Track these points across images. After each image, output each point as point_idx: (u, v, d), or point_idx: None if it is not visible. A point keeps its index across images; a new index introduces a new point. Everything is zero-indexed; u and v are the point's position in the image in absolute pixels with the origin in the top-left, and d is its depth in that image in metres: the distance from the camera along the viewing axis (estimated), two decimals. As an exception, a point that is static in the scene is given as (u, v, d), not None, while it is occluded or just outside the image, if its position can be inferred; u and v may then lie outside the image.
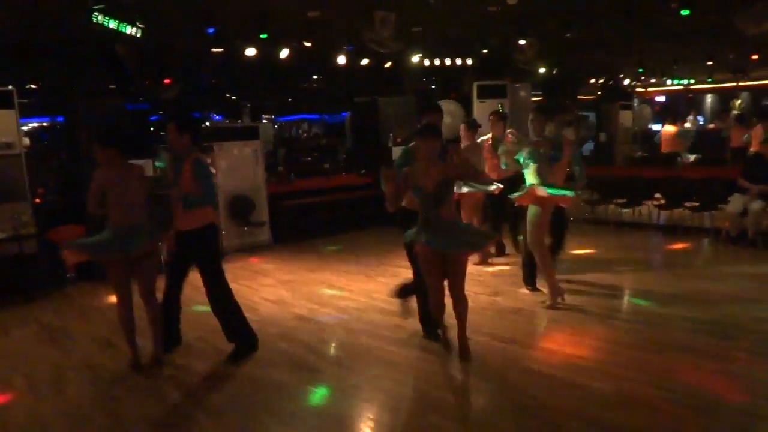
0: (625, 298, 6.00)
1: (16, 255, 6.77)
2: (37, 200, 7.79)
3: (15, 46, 9.31)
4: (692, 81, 20.15)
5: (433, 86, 15.13)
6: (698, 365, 4.25)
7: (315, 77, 16.27)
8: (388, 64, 12.26)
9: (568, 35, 11.18)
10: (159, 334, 4.67)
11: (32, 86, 11.83)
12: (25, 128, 11.89)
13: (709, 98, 23.39)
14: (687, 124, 16.43)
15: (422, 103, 5.56)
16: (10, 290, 6.76)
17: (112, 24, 7.50)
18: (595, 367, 4.28)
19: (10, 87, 7.28)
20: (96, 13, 7.22)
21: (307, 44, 10.65)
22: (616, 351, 4.57)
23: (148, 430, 3.72)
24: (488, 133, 7.50)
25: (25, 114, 10.09)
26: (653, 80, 19.48)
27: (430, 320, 4.85)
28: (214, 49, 10.73)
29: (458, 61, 12.43)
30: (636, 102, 18.80)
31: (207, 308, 5.85)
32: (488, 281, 6.65)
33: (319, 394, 4.13)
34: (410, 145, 4.92)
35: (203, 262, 4.73)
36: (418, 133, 4.46)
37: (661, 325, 5.12)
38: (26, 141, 10.64)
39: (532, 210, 5.59)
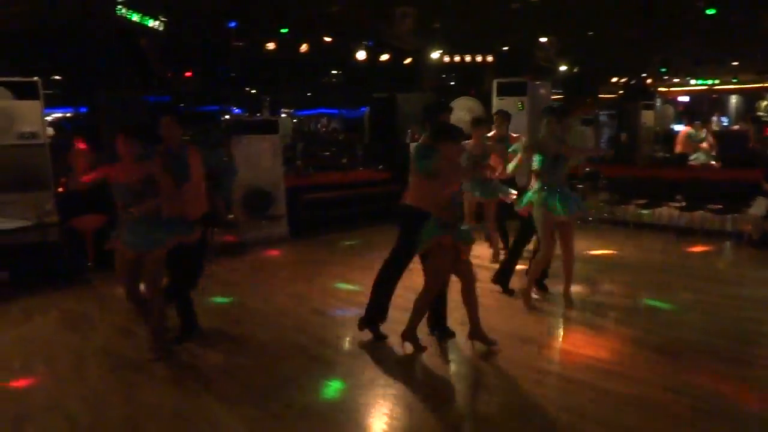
0: (644, 301, 5.94)
1: (39, 243, 6.88)
2: (60, 189, 7.92)
3: (40, 37, 9.48)
4: (717, 81, 19.86)
5: (452, 83, 15.09)
6: (717, 370, 4.21)
7: (334, 72, 16.31)
8: (407, 60, 12.25)
9: (590, 33, 11.09)
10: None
11: (57, 77, 12.01)
12: (48, 118, 12.08)
13: (733, 99, 23.03)
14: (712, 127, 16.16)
15: (436, 101, 5.46)
16: (33, 277, 6.88)
17: (136, 17, 7.62)
18: (611, 369, 4.26)
19: (35, 78, 7.41)
20: (120, 7, 7.32)
21: (327, 39, 10.68)
22: (633, 353, 4.54)
23: (165, 417, 3.78)
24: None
25: (50, 104, 10.26)
26: (677, 80, 19.23)
27: (438, 318, 4.87)
28: (236, 43, 10.80)
29: (478, 58, 12.37)
30: (659, 102, 18.57)
31: (224, 299, 5.94)
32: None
33: (333, 387, 4.16)
34: (425, 142, 4.73)
35: (200, 249, 4.94)
36: (450, 134, 4.43)
37: (680, 328, 5.08)
38: (50, 131, 10.82)
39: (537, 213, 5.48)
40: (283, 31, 9.37)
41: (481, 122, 7.11)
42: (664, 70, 15.82)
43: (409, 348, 4.64)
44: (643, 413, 3.62)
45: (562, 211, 5.29)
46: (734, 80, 18.27)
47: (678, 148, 12.45)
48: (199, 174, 4.97)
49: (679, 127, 12.60)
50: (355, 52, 11.15)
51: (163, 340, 4.73)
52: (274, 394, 4.00)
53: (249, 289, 6.67)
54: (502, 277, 6.11)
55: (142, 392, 4.12)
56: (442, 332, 4.93)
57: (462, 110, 10.30)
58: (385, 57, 11.71)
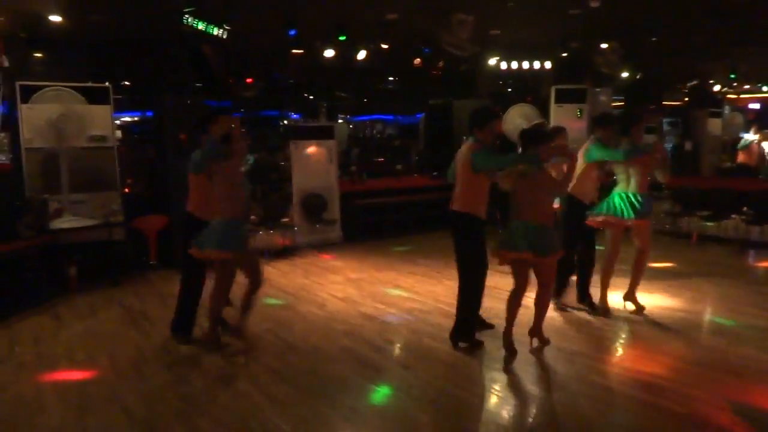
0: (706, 316, 5.70)
1: (106, 241, 7.22)
2: (126, 190, 8.29)
3: (111, 45, 9.95)
4: (791, 88, 18.84)
5: (509, 89, 14.91)
6: (782, 392, 4.00)
7: (391, 78, 16.39)
8: (464, 67, 12.19)
9: (653, 39, 10.74)
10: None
11: (126, 83, 12.55)
12: (117, 122, 12.62)
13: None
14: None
15: (483, 107, 5.39)
16: (98, 273, 7.22)
17: (201, 26, 7.88)
18: (667, 386, 4.10)
19: (106, 84, 7.79)
20: (187, 16, 7.61)
21: (384, 46, 10.75)
22: (691, 371, 4.36)
23: (216, 413, 3.88)
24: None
25: (119, 109, 10.74)
26: (747, 86, 18.36)
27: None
28: (295, 50, 11.02)
29: (536, 65, 12.18)
30: (727, 109, 17.76)
31: (277, 301, 6.07)
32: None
33: (381, 393, 4.18)
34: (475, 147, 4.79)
35: None
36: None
37: (742, 345, 4.84)
38: (118, 134, 11.30)
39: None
40: (341, 38, 9.49)
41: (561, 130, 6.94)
42: (733, 75, 15.12)
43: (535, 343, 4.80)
44: (701, 434, 3.48)
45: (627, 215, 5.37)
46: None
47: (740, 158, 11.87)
48: None
49: (750, 137, 11.96)
50: (411, 59, 11.19)
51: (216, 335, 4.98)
52: (322, 396, 4.05)
53: (301, 292, 6.78)
54: (582, 292, 5.87)
55: (195, 389, 4.26)
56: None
57: (519, 117, 10.16)
58: (441, 63, 11.70)
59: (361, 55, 10.26)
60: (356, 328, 5.46)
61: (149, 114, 12.35)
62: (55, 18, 8.19)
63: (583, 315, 5.65)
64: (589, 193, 5.64)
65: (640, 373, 4.34)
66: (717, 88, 17.85)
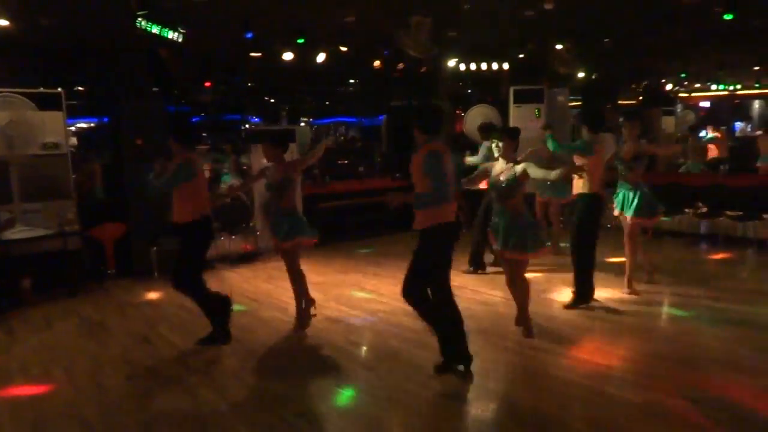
0: (663, 309, 5.86)
1: (60, 251, 7.02)
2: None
3: (64, 50, 9.70)
4: (738, 86, 19.57)
5: (469, 90, 15.08)
6: (736, 379, 4.14)
7: (351, 81, 16.40)
8: (423, 69, 12.28)
9: (606, 40, 11.01)
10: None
11: (80, 88, 12.26)
12: (72, 129, 12.32)
13: (756, 104, 22.66)
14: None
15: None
16: (54, 284, 7.02)
17: (156, 29, 7.73)
18: (626, 377, 4.21)
19: (58, 89, 7.58)
20: (140, 19, 7.45)
21: (344, 49, 10.75)
22: (649, 362, 4.48)
23: (179, 423, 3.82)
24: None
25: (73, 115, 10.48)
26: (697, 85, 19.00)
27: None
28: (253, 54, 10.93)
29: (494, 66, 12.35)
30: (679, 107, 18.34)
31: (240, 307, 6.00)
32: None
33: (346, 396, 4.17)
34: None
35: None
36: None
37: (699, 336, 5.00)
38: (74, 141, 11.03)
39: None
40: (300, 41, 9.45)
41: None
42: (684, 75, 15.63)
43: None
44: (658, 422, 3.57)
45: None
46: (756, 85, 17.99)
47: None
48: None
49: (701, 134, 12.40)
50: (371, 61, 11.22)
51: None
52: (287, 402, 4.02)
53: (265, 297, 6.72)
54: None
55: (157, 400, 4.18)
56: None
57: (479, 117, 10.30)
58: (401, 66, 11.77)
59: (320, 57, 10.24)
60: (320, 332, 5.43)
61: (105, 120, 12.12)
62: (2, 22, 7.94)
63: (545, 311, 5.74)
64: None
65: (597, 365, 4.44)
66: (669, 87, 18.43)
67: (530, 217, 4.96)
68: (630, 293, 6.12)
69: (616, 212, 6.29)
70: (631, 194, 6.08)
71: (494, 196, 4.96)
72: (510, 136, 4.94)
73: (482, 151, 7.56)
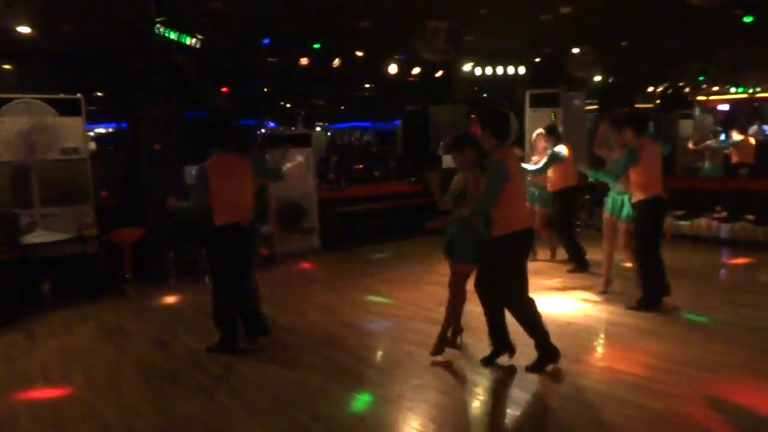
0: (682, 314, 5.78)
1: (79, 255, 7.09)
2: (104, 195, 8.19)
3: (83, 56, 9.83)
4: (757, 89, 19.29)
5: (485, 95, 15.05)
6: (757, 386, 4.07)
7: (367, 86, 16.44)
8: (439, 73, 12.28)
9: (623, 43, 10.93)
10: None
11: (99, 94, 12.41)
12: (91, 133, 12.46)
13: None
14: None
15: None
16: (73, 288, 7.09)
17: (174, 35, 7.82)
18: (645, 384, 4.15)
19: (78, 95, 7.69)
20: (159, 25, 7.54)
21: (359, 53, 10.79)
22: (668, 368, 4.41)
23: (196, 427, 3.83)
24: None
25: (93, 120, 10.61)
26: (715, 88, 18.77)
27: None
28: (270, 59, 11.00)
29: (510, 70, 12.32)
30: (697, 111, 18.13)
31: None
32: (536, 291, 6.52)
33: (362, 401, 4.16)
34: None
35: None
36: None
37: (718, 342, 4.92)
38: (92, 146, 11.15)
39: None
40: (316, 46, 9.50)
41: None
42: (701, 78, 15.46)
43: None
44: (678, 430, 3.52)
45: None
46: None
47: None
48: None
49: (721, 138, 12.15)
50: (387, 66, 11.24)
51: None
52: (303, 406, 4.02)
53: (280, 301, 6.73)
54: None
55: (174, 403, 4.19)
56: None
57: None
58: (417, 70, 11.78)
59: (336, 62, 10.29)
60: (336, 337, 5.43)
61: (124, 125, 12.25)
62: (24, 29, 8.07)
63: (562, 316, 5.69)
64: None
65: (617, 371, 4.38)
66: (687, 90, 18.23)
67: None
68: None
69: (606, 215, 6.17)
70: (619, 199, 5.96)
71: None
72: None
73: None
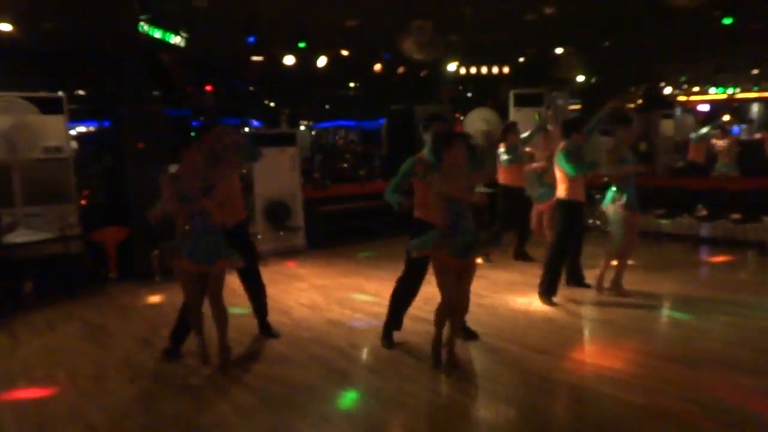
0: (663, 311, 5.88)
1: (62, 254, 7.03)
2: (83, 202, 8.09)
3: (65, 54, 9.73)
4: (737, 89, 19.60)
5: (469, 94, 15.12)
6: (736, 380, 4.15)
7: (352, 85, 16.44)
8: (424, 73, 12.32)
9: (606, 44, 11.05)
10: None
11: (81, 92, 12.27)
12: (73, 132, 12.32)
13: (755, 107, 22.69)
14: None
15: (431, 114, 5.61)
16: (56, 288, 7.02)
17: (158, 33, 7.75)
18: (627, 379, 4.22)
19: (60, 93, 7.61)
20: (142, 23, 7.48)
21: (345, 52, 10.78)
22: (649, 364, 4.49)
23: (183, 426, 3.82)
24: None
25: (75, 118, 10.49)
26: (696, 89, 19.03)
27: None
28: (254, 58, 10.96)
29: (494, 69, 12.40)
30: (678, 111, 18.37)
31: (242, 310, 6.00)
32: (521, 289, 6.60)
33: (349, 398, 4.18)
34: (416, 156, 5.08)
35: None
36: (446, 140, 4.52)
37: (699, 338, 5.01)
38: (74, 144, 11.02)
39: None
40: (301, 45, 9.47)
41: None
42: (683, 78, 15.67)
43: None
44: (659, 423, 3.58)
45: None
46: (755, 88, 18.03)
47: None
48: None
49: (702, 130, 12.23)
50: (372, 65, 11.25)
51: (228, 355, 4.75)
52: (290, 405, 4.03)
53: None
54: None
55: (160, 402, 4.18)
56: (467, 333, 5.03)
57: (479, 121, 10.35)
58: (401, 69, 11.81)
59: (322, 61, 10.28)
60: (323, 335, 5.45)
61: (106, 124, 12.13)
62: (5, 26, 7.96)
63: (546, 313, 5.76)
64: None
65: (601, 367, 4.45)
66: (668, 90, 18.47)
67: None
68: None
69: (604, 207, 6.35)
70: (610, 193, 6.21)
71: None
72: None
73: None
